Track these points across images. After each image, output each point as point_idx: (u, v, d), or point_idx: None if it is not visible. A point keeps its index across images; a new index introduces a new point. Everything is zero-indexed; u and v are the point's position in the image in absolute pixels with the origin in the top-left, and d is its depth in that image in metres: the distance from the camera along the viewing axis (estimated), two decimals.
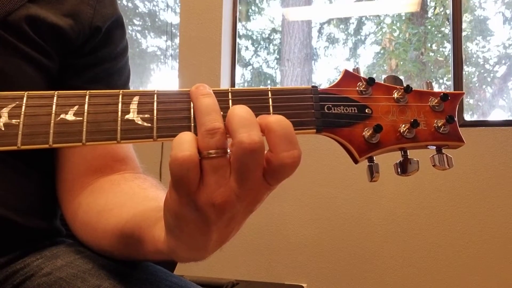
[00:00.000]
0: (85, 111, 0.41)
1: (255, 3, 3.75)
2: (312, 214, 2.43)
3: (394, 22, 3.50)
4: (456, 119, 0.46)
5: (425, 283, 2.28)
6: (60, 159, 0.65)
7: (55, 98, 0.41)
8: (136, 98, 0.41)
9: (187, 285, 0.56)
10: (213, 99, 0.40)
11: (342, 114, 0.44)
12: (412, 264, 2.30)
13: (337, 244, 2.39)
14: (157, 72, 4.32)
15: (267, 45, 3.77)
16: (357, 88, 0.45)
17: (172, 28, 3.52)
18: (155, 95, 0.42)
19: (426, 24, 3.34)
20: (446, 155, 0.46)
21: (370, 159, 0.45)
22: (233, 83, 2.77)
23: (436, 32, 3.29)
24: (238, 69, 2.94)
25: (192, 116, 0.41)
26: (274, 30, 3.74)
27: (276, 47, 3.78)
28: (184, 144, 0.37)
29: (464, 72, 2.48)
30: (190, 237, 0.40)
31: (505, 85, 3.16)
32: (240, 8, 2.87)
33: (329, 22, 3.72)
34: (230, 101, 0.42)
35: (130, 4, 4.20)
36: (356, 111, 0.44)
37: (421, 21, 3.35)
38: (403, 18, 3.41)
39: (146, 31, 4.50)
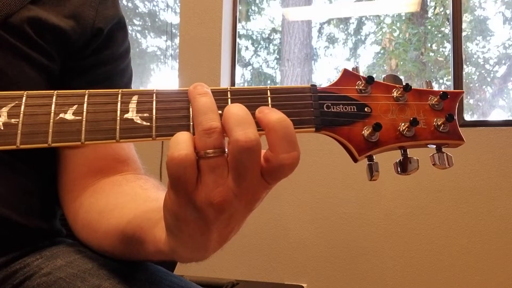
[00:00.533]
0: (84, 110, 0.41)
1: (255, 3, 3.75)
2: (312, 214, 2.43)
3: (394, 22, 3.50)
4: (455, 117, 0.46)
5: (425, 283, 2.28)
6: (62, 160, 0.65)
7: (54, 97, 0.41)
8: (135, 98, 0.41)
9: (187, 285, 0.56)
10: (210, 98, 0.40)
11: (341, 112, 0.44)
12: (412, 264, 2.30)
13: (337, 244, 2.39)
14: (157, 72, 4.32)
15: (267, 45, 3.77)
16: (356, 87, 0.45)
17: (172, 28, 3.52)
18: (154, 95, 0.42)
19: (426, 24, 3.34)
20: (446, 154, 0.46)
21: (370, 158, 0.45)
22: (233, 83, 2.77)
23: (436, 32, 3.29)
24: (238, 69, 2.94)
25: (191, 115, 0.41)
26: (274, 30, 3.74)
27: (276, 47, 3.78)
28: (181, 143, 0.37)
29: (464, 72, 2.48)
30: (190, 237, 0.40)
31: (505, 85, 3.16)
32: (240, 8, 2.87)
33: (329, 22, 3.72)
34: (229, 100, 0.42)
35: (130, 4, 4.20)
36: (355, 110, 0.44)
37: (421, 21, 3.35)
38: (403, 18, 3.41)
39: (146, 31, 4.50)
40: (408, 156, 0.46)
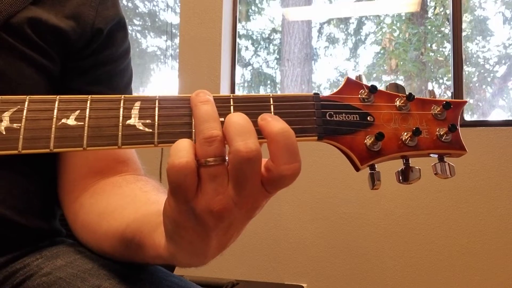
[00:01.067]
0: (87, 116, 0.41)
1: (255, 3, 3.75)
2: (312, 214, 2.43)
3: (394, 22, 3.49)
4: (458, 127, 0.46)
5: (425, 283, 2.28)
6: (62, 161, 0.65)
7: (56, 102, 0.41)
8: (137, 104, 0.41)
9: (187, 285, 0.56)
10: (212, 106, 0.39)
11: (344, 121, 0.44)
12: (412, 264, 2.30)
13: (337, 244, 2.39)
14: (157, 72, 4.32)
15: (267, 45, 3.77)
16: (359, 96, 0.45)
17: (172, 28, 3.52)
18: (157, 101, 0.42)
19: (426, 24, 3.34)
20: (448, 163, 0.46)
21: (372, 167, 0.44)
22: (233, 83, 2.77)
23: (436, 32, 3.29)
24: (238, 69, 2.94)
25: (193, 122, 0.41)
26: (274, 30, 3.74)
27: (276, 47, 3.78)
28: (182, 151, 0.37)
29: (464, 72, 2.48)
30: (190, 243, 0.40)
31: (505, 85, 3.16)
32: (240, 8, 2.87)
33: (329, 22, 3.72)
34: (232, 107, 0.42)
35: (130, 4, 4.20)
36: (358, 119, 0.44)
37: (421, 21, 3.35)
38: (403, 18, 3.41)
39: (146, 31, 4.50)
40: (410, 165, 0.46)
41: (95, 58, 0.66)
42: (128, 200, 0.57)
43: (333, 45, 3.70)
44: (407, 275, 2.30)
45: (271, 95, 0.43)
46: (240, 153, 0.36)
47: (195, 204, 0.38)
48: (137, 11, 4.33)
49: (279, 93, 3.30)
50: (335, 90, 0.46)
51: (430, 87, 3.22)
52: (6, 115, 0.40)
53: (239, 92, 3.19)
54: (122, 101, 0.41)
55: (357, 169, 0.44)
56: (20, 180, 0.62)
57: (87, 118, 0.40)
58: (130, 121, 0.41)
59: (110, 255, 0.56)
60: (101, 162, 0.64)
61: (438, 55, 3.18)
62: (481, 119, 2.96)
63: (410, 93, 0.45)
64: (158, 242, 0.44)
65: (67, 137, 0.40)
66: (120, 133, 0.40)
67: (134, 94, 0.82)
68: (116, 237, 0.52)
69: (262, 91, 3.68)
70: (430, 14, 3.39)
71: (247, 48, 3.65)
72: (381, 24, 3.55)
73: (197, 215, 0.38)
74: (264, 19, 3.73)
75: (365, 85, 0.45)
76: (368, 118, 0.45)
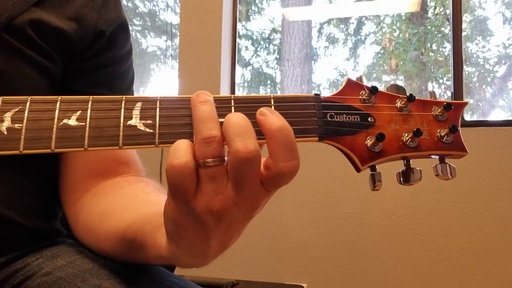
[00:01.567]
0: (88, 116, 0.41)
1: (255, 3, 3.75)
2: (312, 214, 2.43)
3: (394, 22, 3.50)
4: (459, 128, 0.46)
5: (425, 283, 2.28)
6: (63, 161, 0.65)
7: (58, 103, 0.41)
8: (139, 104, 0.41)
9: (187, 285, 0.56)
10: (211, 107, 0.39)
11: (344, 122, 0.44)
12: (412, 264, 2.30)
13: (337, 244, 2.39)
14: (157, 72, 4.33)
15: (267, 45, 3.77)
16: (360, 97, 0.45)
17: (172, 28, 3.52)
18: (158, 101, 0.42)
19: (426, 24, 3.34)
20: (449, 164, 0.46)
21: (373, 168, 0.44)
22: (233, 83, 2.77)
23: (436, 32, 3.29)
24: (238, 69, 2.94)
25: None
26: (274, 30, 3.74)
27: (276, 47, 3.78)
28: (180, 151, 0.37)
29: (464, 72, 2.48)
30: (190, 243, 0.40)
31: (505, 85, 3.16)
32: (240, 8, 2.87)
33: (329, 22, 3.72)
34: (233, 108, 0.42)
35: (130, 4, 4.20)
36: (358, 120, 0.44)
37: (421, 21, 3.35)
38: (403, 18, 3.41)
39: (146, 31, 4.50)
40: (411, 166, 0.46)
41: (97, 60, 0.67)
42: (129, 201, 0.57)
43: (333, 45, 3.70)
44: (407, 275, 2.30)
45: (272, 96, 0.43)
46: (239, 153, 0.36)
47: (195, 204, 0.38)
48: (137, 11, 4.33)
49: (279, 93, 3.30)
50: (335, 91, 0.46)
51: (430, 87, 3.23)
52: (8, 115, 0.40)
53: (239, 92, 3.19)
54: (123, 102, 0.41)
55: (358, 170, 0.44)
56: (22, 180, 0.62)
57: (88, 119, 0.41)
58: (131, 122, 0.41)
59: (111, 256, 0.56)
60: (102, 163, 0.64)
61: (438, 55, 3.18)
62: (481, 119, 2.96)
63: (410, 94, 0.45)
64: (160, 243, 0.44)
65: (68, 138, 0.40)
66: (121, 133, 0.40)
67: (135, 94, 0.82)
68: (117, 238, 0.52)
69: (262, 91, 3.68)
70: (430, 14, 3.39)
71: (247, 48, 3.65)
72: (381, 24, 3.55)
73: (197, 215, 0.38)
74: (264, 19, 3.73)
75: (366, 86, 0.45)
76: (369, 119, 0.45)
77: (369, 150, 0.44)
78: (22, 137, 0.40)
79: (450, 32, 2.51)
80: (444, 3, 3.18)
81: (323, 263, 2.41)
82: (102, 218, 0.57)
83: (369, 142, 0.44)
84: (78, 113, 0.41)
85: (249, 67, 3.68)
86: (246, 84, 3.64)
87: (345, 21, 3.66)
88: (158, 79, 4.16)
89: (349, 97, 0.45)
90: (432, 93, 0.47)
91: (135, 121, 0.41)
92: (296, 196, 2.44)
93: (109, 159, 0.65)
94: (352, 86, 0.46)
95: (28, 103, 0.41)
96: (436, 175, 0.46)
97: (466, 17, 2.98)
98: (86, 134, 0.40)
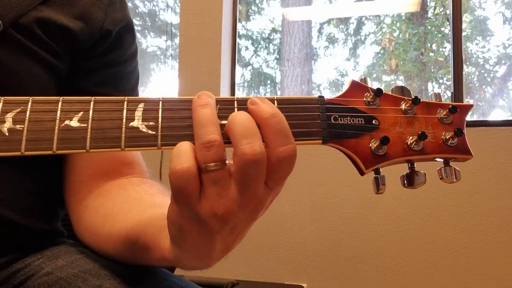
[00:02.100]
0: (90, 117, 0.40)
1: (255, 3, 3.75)
2: (312, 214, 2.43)
3: (394, 22, 3.49)
4: (464, 131, 0.45)
5: (425, 283, 2.28)
6: (67, 162, 0.65)
7: (60, 103, 0.41)
8: (141, 105, 0.41)
9: (187, 285, 0.56)
10: (211, 110, 0.39)
11: (348, 125, 0.43)
12: (412, 264, 2.30)
13: (337, 244, 2.39)
14: (157, 72, 4.32)
15: (267, 45, 3.76)
16: (365, 99, 0.45)
17: (172, 28, 3.52)
18: (160, 103, 0.41)
19: (426, 24, 3.34)
20: (454, 168, 0.46)
21: (377, 171, 0.44)
22: (233, 83, 2.77)
23: (436, 32, 3.29)
24: (238, 69, 2.94)
25: None
26: (274, 30, 3.74)
27: (276, 47, 3.78)
28: (183, 156, 0.37)
29: (464, 72, 2.48)
30: (194, 247, 0.40)
31: (505, 85, 3.16)
32: (240, 8, 2.87)
33: (329, 22, 3.72)
34: (236, 109, 0.41)
35: (130, 4, 4.19)
36: (363, 122, 0.44)
37: (421, 21, 3.35)
38: (403, 18, 3.41)
39: (146, 31, 4.50)
40: (415, 169, 0.45)
41: (102, 59, 0.67)
42: (133, 203, 0.57)
43: (333, 45, 3.70)
44: (407, 275, 2.30)
45: (275, 98, 0.43)
46: (246, 156, 0.36)
47: (199, 209, 0.37)
48: (137, 11, 4.33)
49: (279, 93, 3.28)
50: (335, 90, 0.45)
51: (430, 87, 3.22)
52: (9, 116, 0.40)
53: (239, 92, 3.18)
54: (125, 103, 0.41)
55: (362, 173, 0.43)
56: (24, 181, 0.62)
57: (90, 120, 0.40)
58: (134, 123, 0.40)
59: (113, 257, 0.56)
60: (106, 164, 0.64)
61: (438, 55, 3.18)
62: (481, 119, 2.96)
63: (416, 97, 0.45)
64: (163, 245, 0.44)
65: (70, 139, 0.40)
66: (123, 135, 0.40)
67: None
68: (120, 239, 0.52)
69: (262, 91, 3.68)
70: (430, 14, 3.39)
71: (247, 48, 3.65)
72: (381, 24, 3.55)
73: (201, 219, 0.38)
74: (264, 19, 3.73)
75: (371, 88, 0.45)
76: (373, 122, 0.44)
77: (373, 153, 0.43)
78: (24, 138, 0.39)
79: (450, 32, 2.51)
80: (444, 3, 3.18)
81: (323, 263, 2.40)
82: (105, 219, 0.57)
83: (373, 145, 0.43)
84: (80, 114, 0.40)
85: (249, 67, 3.68)
86: (246, 84, 3.64)
87: (345, 21, 3.66)
88: (158, 79, 4.15)
89: (353, 99, 0.45)
90: (437, 95, 0.47)
91: (137, 122, 0.40)
92: (296, 196, 2.44)
93: (113, 160, 0.65)
94: (357, 88, 0.45)
95: (29, 104, 0.41)
96: (441, 178, 0.46)
97: (466, 17, 2.98)
98: (88, 136, 0.40)
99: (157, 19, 4.51)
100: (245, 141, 0.36)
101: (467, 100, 2.93)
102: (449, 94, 2.50)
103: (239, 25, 2.87)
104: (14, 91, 0.48)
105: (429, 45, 3.32)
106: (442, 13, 3.27)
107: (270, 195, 0.39)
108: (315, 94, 3.67)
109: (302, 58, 3.61)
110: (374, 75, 3.38)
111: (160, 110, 0.41)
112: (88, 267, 0.54)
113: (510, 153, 2.23)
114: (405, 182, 0.45)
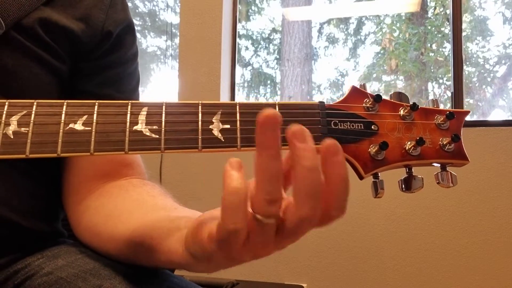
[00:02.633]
0: (94, 121, 0.41)
1: (255, 3, 3.75)
2: None
3: (394, 22, 3.49)
4: (461, 137, 0.46)
5: (425, 283, 2.29)
6: (67, 163, 0.65)
7: (64, 107, 0.41)
8: (144, 109, 0.41)
9: (187, 285, 0.57)
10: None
11: (348, 130, 0.44)
12: (412, 264, 2.30)
13: (337, 244, 2.39)
14: (157, 72, 4.32)
15: (267, 45, 3.77)
16: (364, 105, 0.46)
17: (172, 28, 3.51)
18: (164, 107, 0.42)
19: (426, 24, 3.34)
20: (451, 172, 0.47)
21: (375, 176, 0.45)
22: (233, 83, 2.77)
23: (436, 32, 3.29)
24: (238, 69, 2.94)
25: (199, 128, 0.41)
26: (274, 30, 3.74)
27: (276, 47, 3.78)
28: (239, 214, 0.34)
29: (464, 72, 2.48)
30: (215, 264, 0.40)
31: (505, 85, 3.16)
32: (240, 8, 2.87)
33: (329, 22, 3.72)
34: (238, 114, 0.42)
35: (130, 4, 4.18)
36: (362, 128, 0.45)
37: (421, 21, 3.36)
38: (403, 18, 3.41)
39: (146, 31, 4.50)
40: (413, 174, 0.46)
41: (104, 60, 0.67)
42: (135, 204, 0.57)
43: (333, 45, 3.70)
44: (407, 275, 2.30)
45: (276, 103, 0.43)
46: (306, 219, 0.35)
47: (240, 255, 0.37)
48: (137, 11, 4.32)
49: (279, 93, 3.25)
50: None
51: (430, 87, 3.23)
52: (14, 119, 0.40)
53: (239, 92, 3.19)
54: (129, 106, 0.41)
55: (361, 177, 0.45)
56: (27, 182, 0.62)
57: (94, 123, 0.41)
58: (137, 127, 0.41)
59: (115, 257, 0.56)
60: (107, 165, 0.64)
61: (438, 55, 3.18)
62: (481, 119, 2.96)
63: (414, 103, 0.46)
64: (174, 249, 0.43)
65: (74, 142, 0.40)
66: (127, 139, 0.40)
67: None
68: (123, 240, 0.52)
69: (262, 91, 3.68)
70: (430, 14, 3.39)
71: (247, 48, 3.65)
72: (381, 24, 3.55)
73: (237, 258, 0.38)
74: (264, 19, 3.73)
75: (370, 94, 0.46)
76: (372, 127, 0.45)
77: (372, 158, 0.44)
78: (29, 141, 0.40)
79: (450, 32, 2.51)
80: (444, 3, 3.19)
81: (323, 263, 2.41)
82: (107, 219, 0.57)
83: (372, 150, 0.44)
84: (84, 117, 0.41)
85: (249, 67, 3.68)
86: (246, 84, 3.64)
87: (345, 21, 3.66)
88: (158, 79, 4.15)
89: (353, 105, 0.45)
90: (435, 101, 0.48)
91: (141, 126, 0.41)
92: None
93: (114, 161, 0.65)
94: (356, 93, 0.46)
95: (34, 107, 0.41)
96: (438, 183, 0.47)
97: (466, 17, 2.98)
98: (92, 139, 0.40)
99: (157, 19, 4.51)
100: (309, 205, 0.35)
101: (467, 100, 2.93)
102: (449, 94, 2.50)
103: (239, 25, 2.87)
104: (16, 93, 0.48)
105: (429, 45, 3.32)
106: (442, 13, 3.27)
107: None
108: (315, 94, 3.64)
109: (302, 58, 3.62)
110: (374, 75, 3.38)
111: (163, 114, 0.41)
112: (88, 267, 0.54)
113: (510, 153, 2.23)
114: (403, 187, 0.46)
